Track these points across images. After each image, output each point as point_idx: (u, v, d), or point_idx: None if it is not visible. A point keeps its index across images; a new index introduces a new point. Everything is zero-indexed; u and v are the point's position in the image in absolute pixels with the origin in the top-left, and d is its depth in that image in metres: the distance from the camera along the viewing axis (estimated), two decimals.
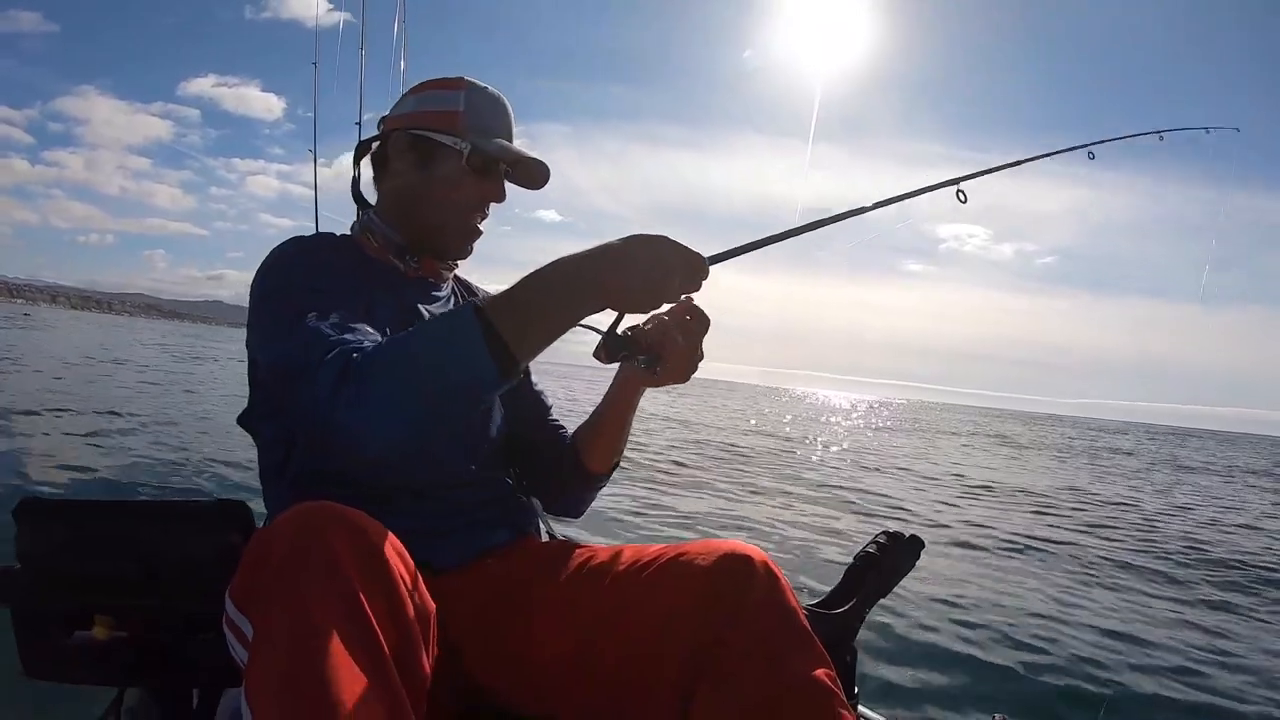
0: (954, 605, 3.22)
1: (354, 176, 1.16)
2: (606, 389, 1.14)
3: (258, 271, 0.99)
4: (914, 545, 1.10)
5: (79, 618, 0.95)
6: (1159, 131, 1.49)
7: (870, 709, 1.25)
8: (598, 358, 0.93)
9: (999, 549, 4.48)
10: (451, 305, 1.15)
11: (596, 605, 0.91)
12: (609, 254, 0.79)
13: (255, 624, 0.66)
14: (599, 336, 0.92)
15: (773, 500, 5.47)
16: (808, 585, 3.30)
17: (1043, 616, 3.24)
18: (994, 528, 5.20)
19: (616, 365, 1.03)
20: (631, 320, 0.92)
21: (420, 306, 1.08)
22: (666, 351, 0.96)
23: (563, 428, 1.23)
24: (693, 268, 0.83)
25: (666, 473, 6.39)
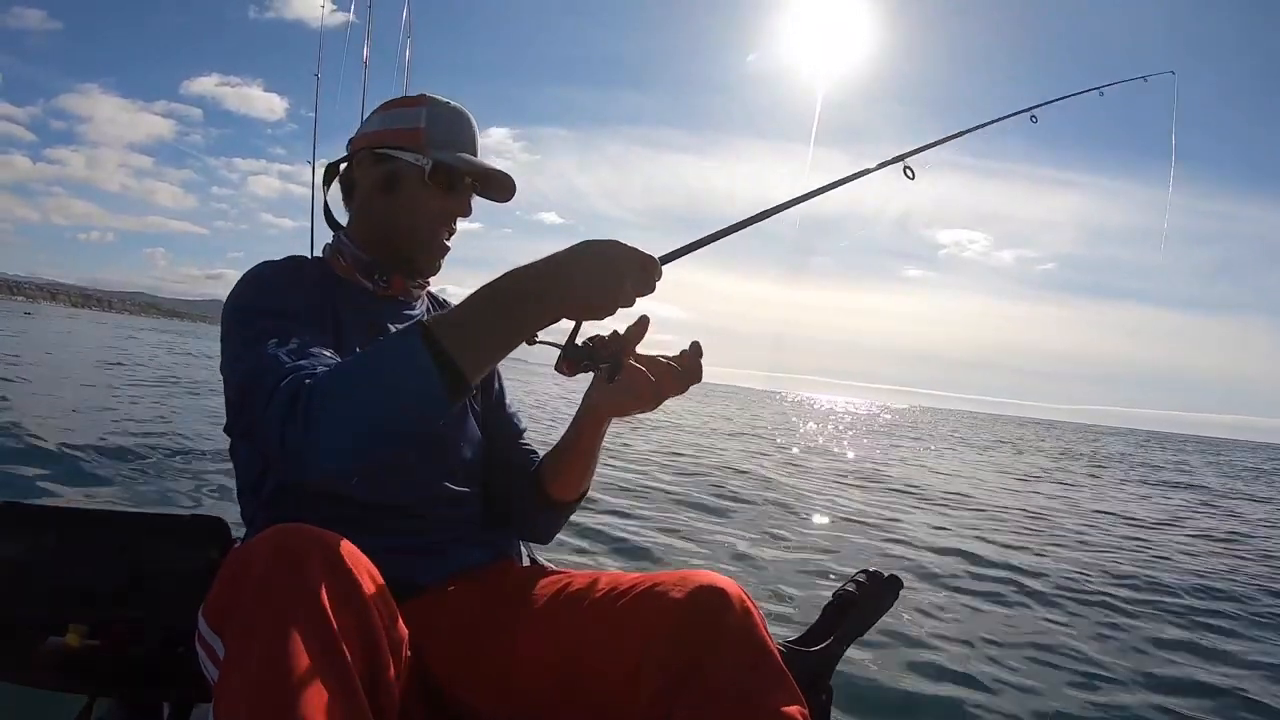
0: (932, 646, 3.20)
1: (324, 199, 1.16)
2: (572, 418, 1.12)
3: (230, 294, 1.00)
4: (893, 585, 1.10)
5: (52, 624, 0.95)
6: (1098, 88, 1.48)
7: None
8: (559, 370, 0.92)
9: (983, 581, 4.46)
10: None
11: (573, 631, 0.91)
12: (557, 262, 0.79)
13: (227, 644, 0.66)
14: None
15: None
16: (784, 621, 3.28)
17: (1030, 658, 3.22)
18: (980, 554, 5.18)
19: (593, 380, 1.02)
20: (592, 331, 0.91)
21: (390, 326, 1.08)
22: (626, 358, 0.94)
23: (534, 452, 1.22)
24: (644, 268, 0.82)
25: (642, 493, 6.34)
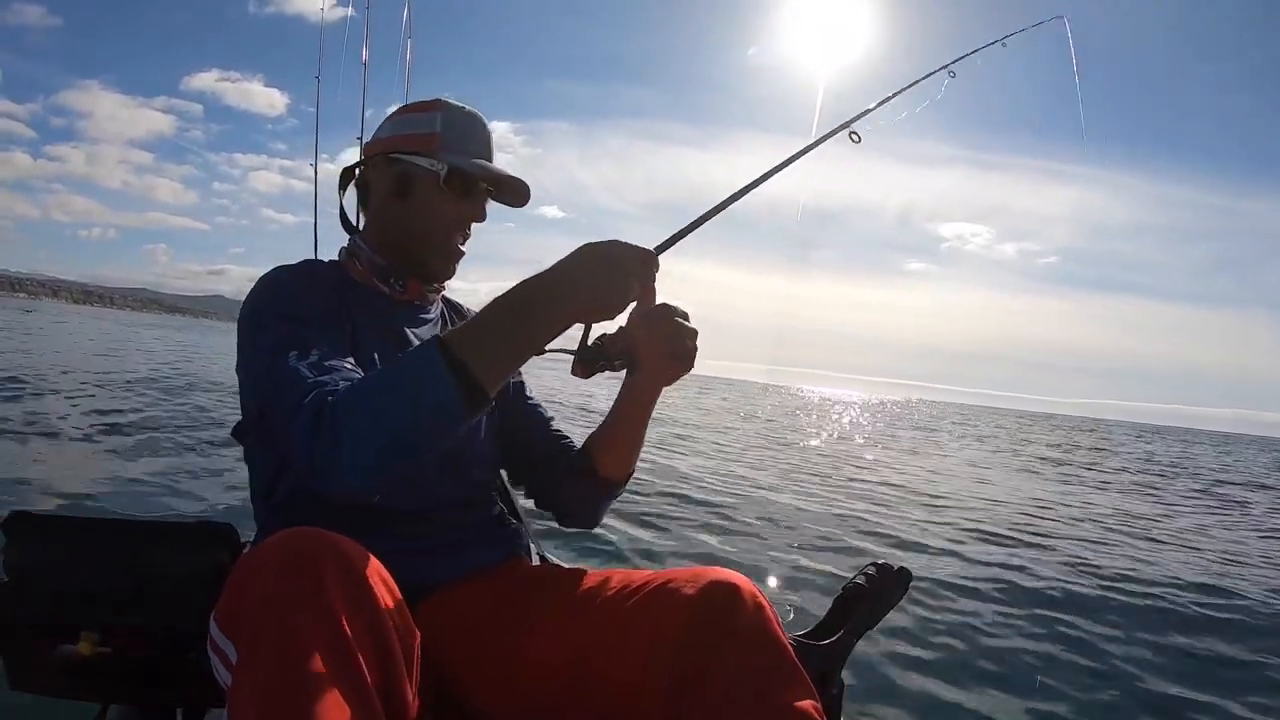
0: (943, 637, 3.21)
1: (340, 203, 1.17)
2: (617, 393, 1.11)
3: (245, 299, 1.00)
4: (902, 577, 1.10)
5: (65, 632, 0.95)
6: (1002, 40, 1.55)
7: None
8: (575, 374, 0.93)
9: (993, 573, 4.46)
10: (439, 327, 1.16)
11: (586, 630, 0.91)
12: (562, 269, 0.81)
13: (240, 649, 0.66)
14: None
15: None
16: (794, 614, 3.29)
17: (1039, 651, 3.23)
18: (989, 545, 5.19)
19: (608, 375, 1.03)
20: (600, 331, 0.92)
21: (407, 330, 1.09)
22: (639, 348, 0.96)
23: (567, 438, 1.22)
24: (644, 262, 0.86)
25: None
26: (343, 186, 1.17)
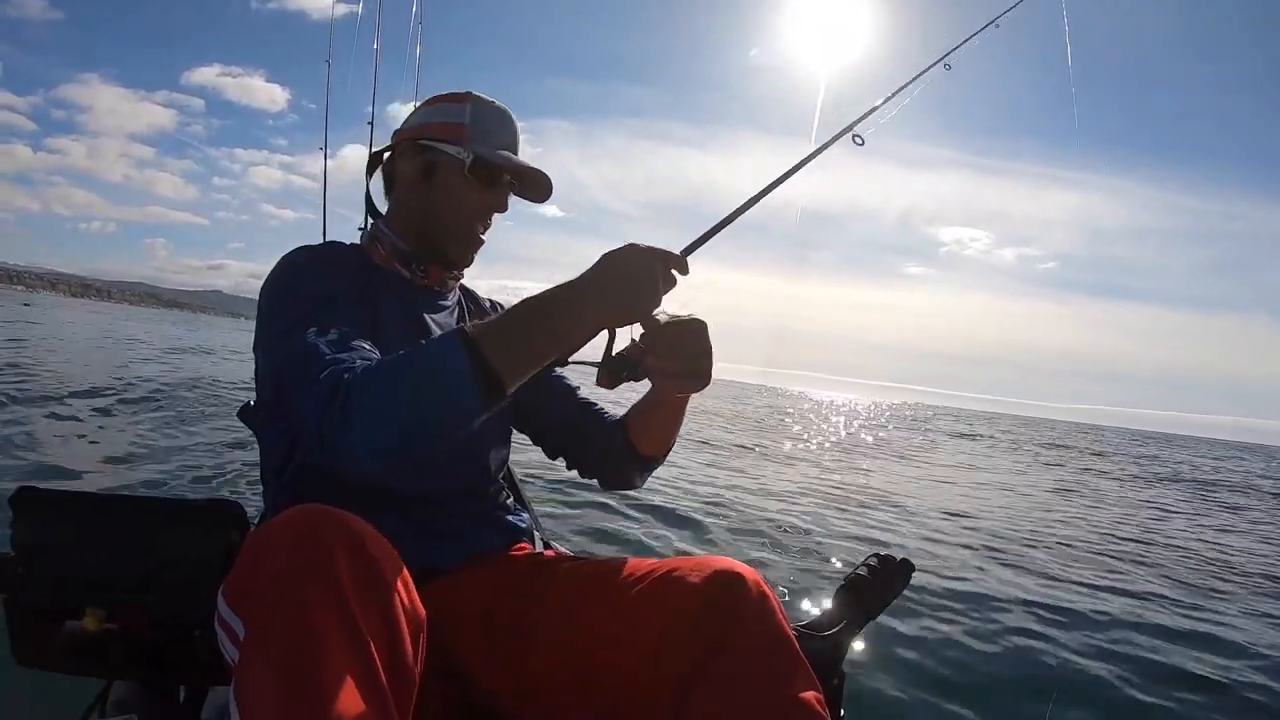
0: (944, 629, 3.22)
1: (367, 187, 1.18)
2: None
3: (267, 278, 1.01)
4: (904, 569, 1.10)
5: (71, 609, 0.95)
6: (994, 21, 1.54)
7: None
8: (601, 385, 0.93)
9: (991, 563, 4.47)
10: (456, 314, 1.17)
11: (591, 617, 0.92)
12: (590, 278, 0.82)
13: (248, 624, 0.66)
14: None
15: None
16: (796, 604, 3.30)
17: (1041, 645, 3.23)
18: (986, 539, 5.20)
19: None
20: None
21: (426, 316, 1.10)
22: (658, 362, 0.93)
23: (596, 404, 1.22)
24: (669, 265, 0.86)
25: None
26: (370, 172, 1.18)
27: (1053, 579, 4.31)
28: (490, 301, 1.26)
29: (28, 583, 0.95)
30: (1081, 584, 4.32)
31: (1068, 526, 6.55)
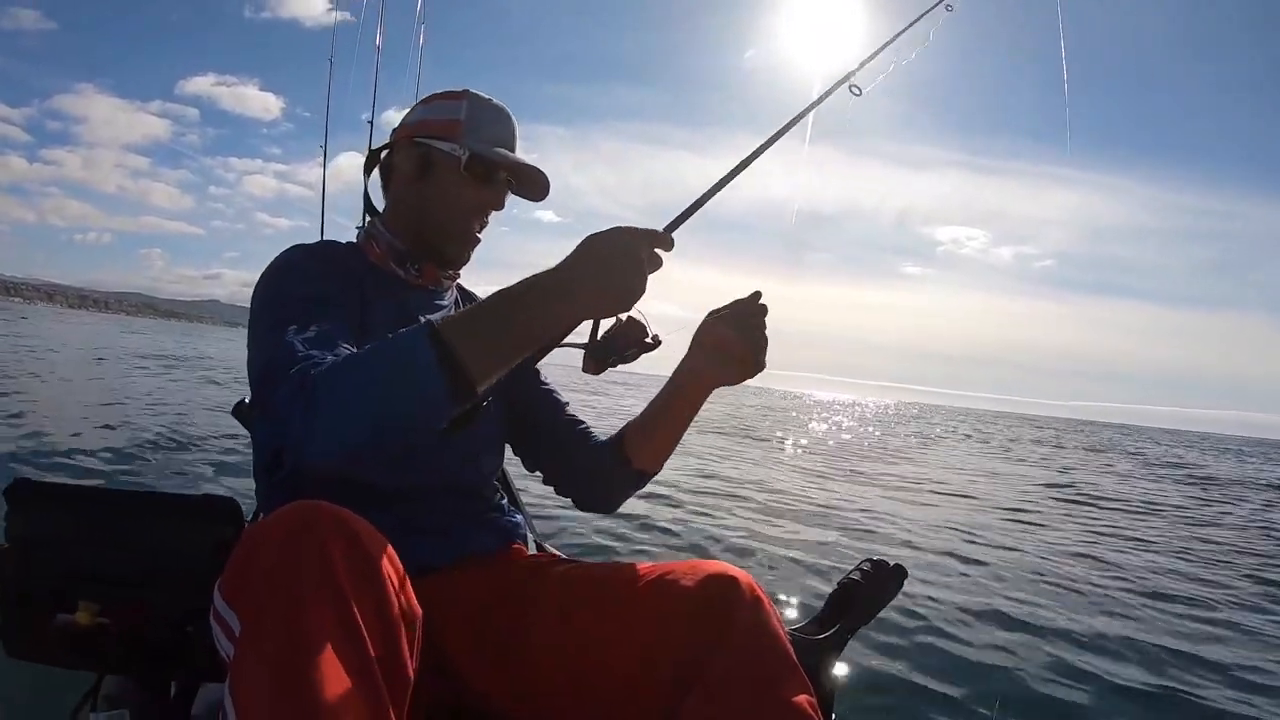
0: (937, 633, 3.22)
1: (364, 185, 1.18)
2: (664, 385, 1.10)
3: (261, 275, 1.01)
4: (897, 574, 1.11)
5: (64, 602, 0.95)
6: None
7: None
8: (587, 370, 0.92)
9: (985, 569, 4.48)
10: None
11: (584, 620, 0.92)
12: (569, 264, 0.79)
13: (243, 620, 0.66)
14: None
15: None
16: (790, 608, 3.30)
17: (1036, 646, 3.24)
18: (982, 542, 5.21)
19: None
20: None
21: (420, 315, 1.09)
22: (726, 346, 0.95)
23: (583, 423, 1.21)
24: (654, 244, 0.83)
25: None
26: (368, 170, 1.18)
27: (1050, 584, 4.32)
28: None
29: (21, 574, 0.95)
30: (1085, 583, 4.33)
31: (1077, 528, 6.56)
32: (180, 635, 0.95)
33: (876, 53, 1.20)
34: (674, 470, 6.99)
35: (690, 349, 1.05)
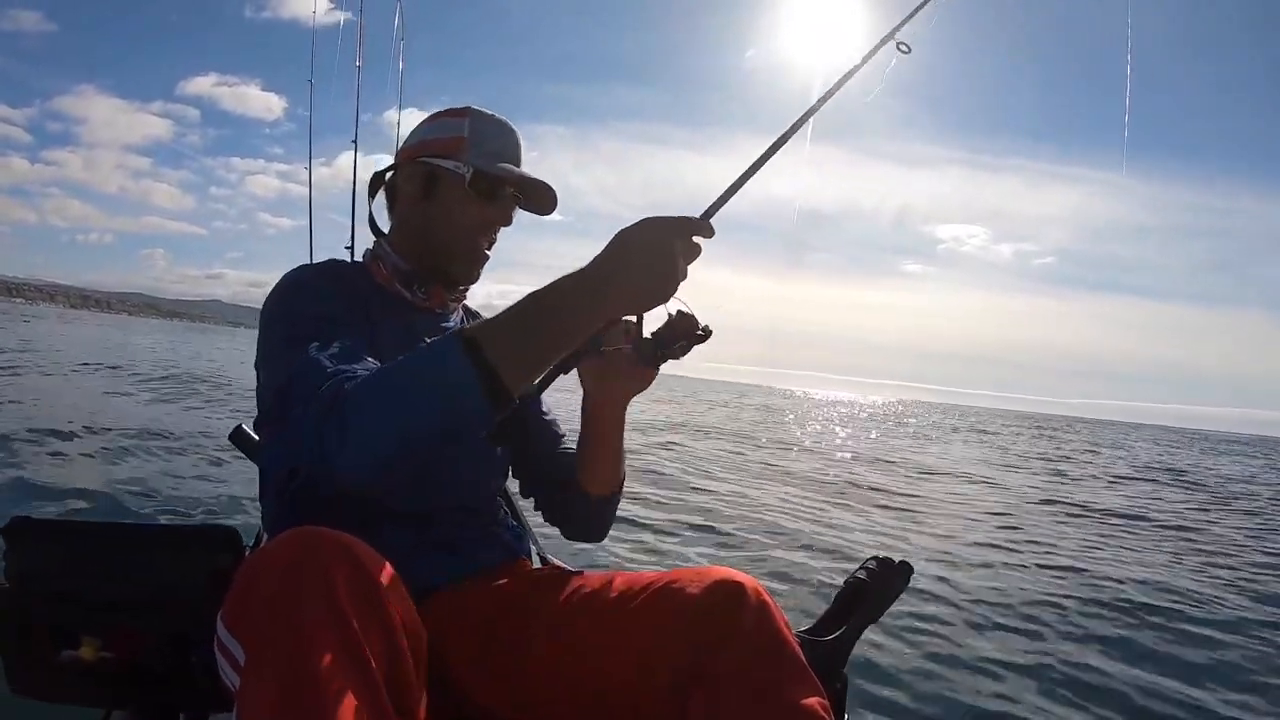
0: (946, 631, 3.22)
1: (369, 209, 1.17)
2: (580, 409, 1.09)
3: (269, 296, 1.00)
4: (904, 571, 1.10)
5: (67, 638, 0.95)
6: None
7: None
8: (645, 365, 0.92)
9: (995, 569, 4.47)
10: None
11: (590, 630, 0.92)
12: (600, 262, 0.77)
13: (248, 649, 0.66)
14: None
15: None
16: (796, 610, 3.29)
17: (1041, 644, 3.23)
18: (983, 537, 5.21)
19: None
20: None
21: (426, 337, 1.08)
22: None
23: (573, 450, 1.18)
24: (689, 232, 0.80)
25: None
26: (372, 192, 1.17)
27: (1071, 572, 4.32)
28: None
29: (23, 611, 0.95)
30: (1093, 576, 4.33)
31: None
32: (184, 666, 0.95)
33: (922, 5, 1.13)
34: (675, 473, 6.98)
35: (580, 380, 1.03)
